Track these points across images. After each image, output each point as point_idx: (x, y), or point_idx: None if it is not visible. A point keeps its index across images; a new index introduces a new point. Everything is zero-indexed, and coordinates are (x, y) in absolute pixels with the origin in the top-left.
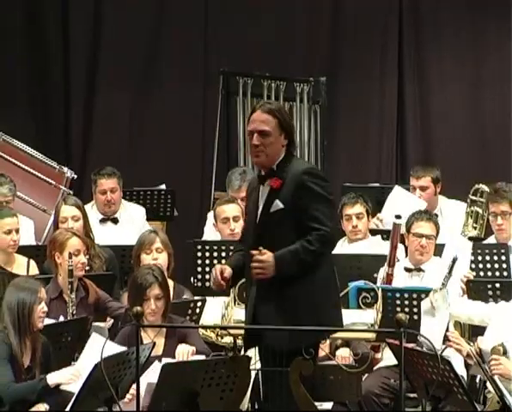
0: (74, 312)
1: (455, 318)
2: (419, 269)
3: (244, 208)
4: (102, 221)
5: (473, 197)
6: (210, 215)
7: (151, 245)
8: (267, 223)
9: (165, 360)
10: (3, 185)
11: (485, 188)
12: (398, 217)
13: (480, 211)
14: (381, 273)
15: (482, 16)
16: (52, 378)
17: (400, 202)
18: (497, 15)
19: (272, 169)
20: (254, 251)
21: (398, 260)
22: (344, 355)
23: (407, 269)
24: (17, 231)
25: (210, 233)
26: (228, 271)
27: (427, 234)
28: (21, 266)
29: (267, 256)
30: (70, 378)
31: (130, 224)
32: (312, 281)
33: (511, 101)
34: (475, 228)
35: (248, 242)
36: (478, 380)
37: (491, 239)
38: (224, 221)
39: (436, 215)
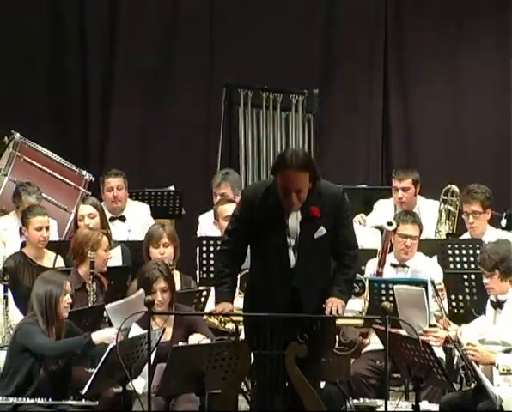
0: (94, 300)
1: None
2: (404, 265)
3: (241, 213)
4: (111, 219)
5: (444, 197)
6: (202, 218)
7: (159, 240)
8: (310, 249)
9: None
10: (31, 194)
11: (455, 188)
12: (389, 224)
13: (452, 209)
14: (369, 266)
15: (463, 36)
16: (97, 336)
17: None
18: (479, 34)
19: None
20: (327, 313)
21: None
22: None
23: (393, 265)
24: (47, 228)
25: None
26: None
27: (411, 235)
28: (50, 260)
29: (333, 301)
30: (113, 337)
31: (136, 221)
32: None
33: (492, 114)
34: (448, 224)
35: (280, 260)
36: (455, 362)
37: (467, 235)
38: (226, 218)
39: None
